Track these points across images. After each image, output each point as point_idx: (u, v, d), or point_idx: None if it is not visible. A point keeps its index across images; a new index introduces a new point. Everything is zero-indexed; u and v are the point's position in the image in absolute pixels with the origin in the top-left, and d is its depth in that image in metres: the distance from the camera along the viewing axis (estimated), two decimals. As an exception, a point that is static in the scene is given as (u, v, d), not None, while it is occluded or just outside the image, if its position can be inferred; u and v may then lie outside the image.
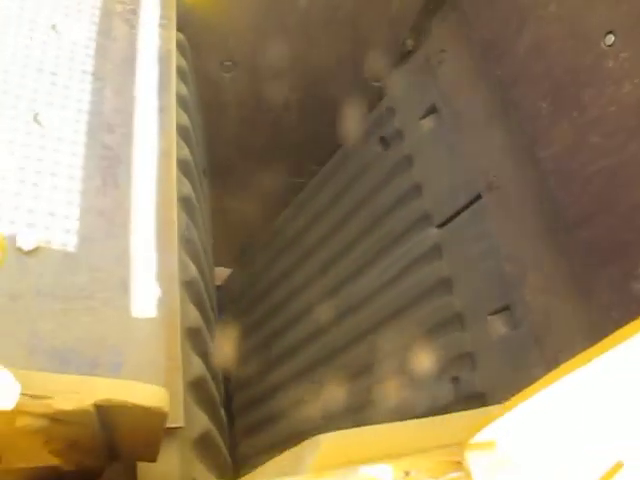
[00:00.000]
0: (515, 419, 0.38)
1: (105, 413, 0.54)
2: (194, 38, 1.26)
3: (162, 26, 0.98)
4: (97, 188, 0.82)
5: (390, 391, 1.26)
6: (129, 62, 0.93)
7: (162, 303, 0.77)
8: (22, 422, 0.50)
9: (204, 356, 0.91)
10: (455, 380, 1.14)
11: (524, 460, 0.42)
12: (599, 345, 0.35)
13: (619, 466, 0.39)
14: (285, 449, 0.54)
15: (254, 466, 0.58)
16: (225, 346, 1.53)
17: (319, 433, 0.50)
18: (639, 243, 0.90)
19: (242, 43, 1.35)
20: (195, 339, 0.89)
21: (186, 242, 0.95)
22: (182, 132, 1.03)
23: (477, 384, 1.10)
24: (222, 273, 1.86)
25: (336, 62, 1.43)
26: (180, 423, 0.73)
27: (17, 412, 0.49)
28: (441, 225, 1.24)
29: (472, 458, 0.39)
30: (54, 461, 0.58)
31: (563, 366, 0.36)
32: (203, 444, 0.82)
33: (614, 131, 0.93)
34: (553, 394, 0.37)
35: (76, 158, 0.83)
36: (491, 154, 1.17)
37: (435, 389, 1.17)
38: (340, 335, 1.44)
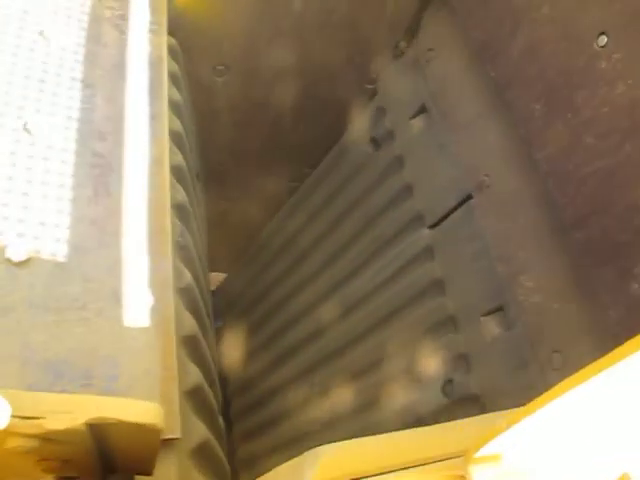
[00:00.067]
0: (521, 432, 0.38)
1: (98, 431, 0.53)
2: (186, 42, 1.24)
3: (152, 32, 0.97)
4: (88, 197, 0.80)
5: (385, 394, 1.26)
6: (119, 68, 0.91)
7: (156, 311, 0.76)
8: (13, 443, 0.49)
9: (201, 364, 0.90)
10: (449, 382, 1.14)
11: (530, 473, 0.42)
12: (605, 358, 0.34)
13: (625, 478, 0.38)
14: (284, 454, 0.53)
15: (253, 472, 0.58)
16: (222, 351, 1.52)
17: (317, 437, 0.50)
18: (635, 244, 0.90)
19: (235, 47, 1.33)
20: (191, 347, 0.88)
21: (180, 249, 0.94)
22: (175, 138, 1.02)
23: (472, 385, 1.09)
24: (217, 278, 1.85)
25: (331, 66, 1.42)
26: (177, 434, 0.72)
27: (8, 433, 0.48)
28: (433, 226, 1.24)
29: (477, 472, 0.38)
30: (48, 478, 0.57)
31: (569, 379, 0.36)
32: (201, 454, 0.81)
33: (608, 132, 0.92)
34: (559, 407, 0.37)
35: (66, 166, 0.82)
36: (481, 153, 1.17)
37: (429, 391, 1.16)
38: (335, 338, 1.44)
